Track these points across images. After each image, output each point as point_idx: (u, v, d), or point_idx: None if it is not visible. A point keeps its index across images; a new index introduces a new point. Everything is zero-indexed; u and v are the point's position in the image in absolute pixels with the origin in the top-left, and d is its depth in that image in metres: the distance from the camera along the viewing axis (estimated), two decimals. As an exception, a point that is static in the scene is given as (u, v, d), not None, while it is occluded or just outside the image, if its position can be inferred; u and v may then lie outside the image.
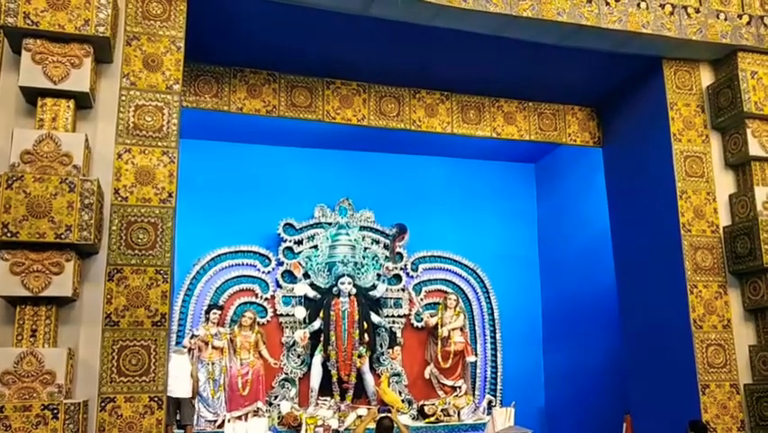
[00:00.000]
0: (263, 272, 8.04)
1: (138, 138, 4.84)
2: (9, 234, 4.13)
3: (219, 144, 8.26)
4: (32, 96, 4.54)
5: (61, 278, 4.26)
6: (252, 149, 8.49)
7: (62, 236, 4.23)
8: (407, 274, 8.49)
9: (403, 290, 8.39)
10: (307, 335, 7.75)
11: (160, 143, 4.86)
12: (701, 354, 5.70)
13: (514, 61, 6.36)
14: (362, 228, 8.42)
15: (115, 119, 4.83)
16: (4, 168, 4.35)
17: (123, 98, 4.87)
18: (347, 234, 8.24)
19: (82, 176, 4.39)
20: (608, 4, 5.75)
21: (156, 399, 4.51)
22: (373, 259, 8.27)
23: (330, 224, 8.30)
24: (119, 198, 4.72)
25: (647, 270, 6.36)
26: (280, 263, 8.11)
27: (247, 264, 8.03)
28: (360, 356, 7.75)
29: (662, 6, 5.90)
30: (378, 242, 8.45)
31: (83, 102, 4.66)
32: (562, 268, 8.85)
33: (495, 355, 8.48)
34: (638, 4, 5.83)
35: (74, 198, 4.29)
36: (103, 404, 4.41)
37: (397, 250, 8.48)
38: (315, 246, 8.20)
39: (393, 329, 8.23)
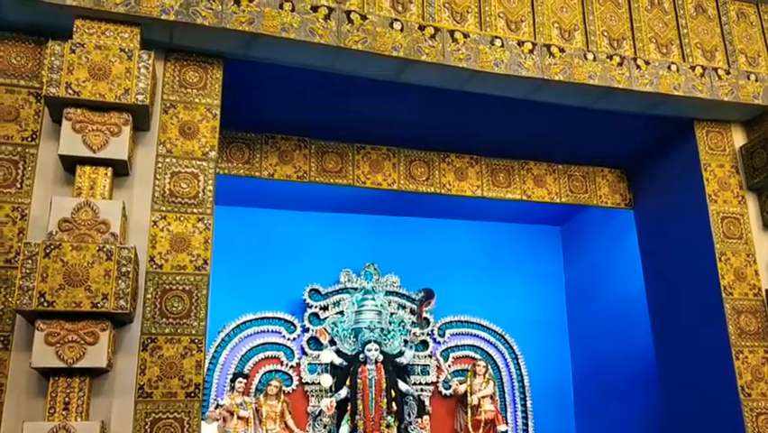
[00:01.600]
0: (288, 339, 7.89)
1: (173, 205, 4.81)
2: (46, 304, 4.06)
3: (242, 210, 8.24)
4: (70, 164, 4.55)
5: (96, 348, 4.16)
6: (277, 214, 8.47)
7: (98, 305, 4.15)
8: (434, 340, 8.32)
9: (430, 356, 8.20)
10: (334, 404, 7.54)
11: (195, 210, 4.84)
12: (752, 424, 5.47)
13: (544, 124, 6.37)
14: (388, 293, 8.29)
15: (151, 186, 4.82)
16: (42, 236, 4.32)
17: (160, 165, 4.87)
18: (373, 299, 8.12)
19: (119, 244, 4.35)
20: (638, 67, 5.78)
21: (189, 474, 4.35)
22: (400, 324, 8.12)
23: (356, 289, 8.19)
24: (154, 266, 4.66)
25: (687, 334, 6.19)
26: (306, 330, 7.96)
27: (272, 331, 7.89)
28: (388, 426, 7.50)
29: (693, 69, 5.93)
30: (404, 307, 8.32)
31: (120, 169, 4.66)
32: (593, 332, 8.65)
33: (526, 423, 8.22)
34: (669, 67, 5.86)
35: (111, 266, 4.23)
36: (135, 481, 4.24)
37: (424, 315, 8.33)
38: (341, 312, 8.08)
39: (421, 397, 8.01)
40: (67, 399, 4.13)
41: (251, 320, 7.84)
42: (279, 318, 7.95)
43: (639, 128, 6.49)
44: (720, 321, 5.73)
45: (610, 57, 5.74)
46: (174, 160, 4.90)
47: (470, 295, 8.73)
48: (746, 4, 6.48)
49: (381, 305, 8.09)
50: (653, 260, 6.87)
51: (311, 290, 8.13)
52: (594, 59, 5.67)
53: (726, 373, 5.63)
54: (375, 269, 8.37)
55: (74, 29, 4.68)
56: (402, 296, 8.36)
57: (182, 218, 4.79)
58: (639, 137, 6.69)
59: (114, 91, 4.56)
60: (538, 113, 6.11)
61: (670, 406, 6.50)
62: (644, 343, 7.15)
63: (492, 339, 8.47)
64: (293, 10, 5.06)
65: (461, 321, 8.48)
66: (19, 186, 4.57)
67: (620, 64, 5.73)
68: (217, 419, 7.02)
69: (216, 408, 7.09)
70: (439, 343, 8.32)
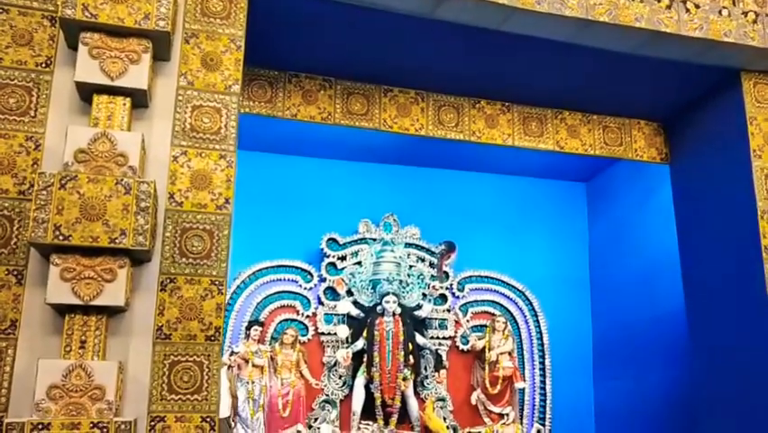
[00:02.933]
0: (305, 288, 7.73)
1: (195, 140, 4.56)
2: (61, 238, 3.85)
3: (258, 155, 7.99)
4: (87, 92, 4.29)
5: (114, 286, 3.96)
6: (294, 160, 8.24)
7: (116, 241, 3.94)
8: (453, 294, 8.14)
9: (449, 310, 8.04)
10: (350, 355, 7.40)
11: (217, 146, 4.58)
12: (791, 388, 5.28)
13: (581, 72, 6.05)
14: (408, 245, 8.10)
15: (171, 120, 4.56)
16: (57, 167, 4.09)
17: (180, 98, 4.60)
18: (392, 250, 7.92)
19: (138, 177, 4.12)
20: (688, 10, 5.43)
21: (208, 419, 4.19)
22: (419, 277, 7.94)
23: (374, 240, 7.99)
24: (173, 203, 4.43)
25: (723, 295, 5.96)
26: (323, 279, 7.80)
27: (289, 280, 7.73)
28: (404, 379, 7.39)
29: (745, 14, 5.57)
30: (423, 259, 8.13)
31: (139, 100, 4.40)
32: (617, 291, 8.45)
33: (544, 382, 8.08)
34: (720, 11, 5.51)
35: (129, 200, 4.01)
36: (152, 423, 4.08)
37: (444, 268, 8.14)
38: (359, 263, 7.89)
39: (438, 351, 7.87)
40: (83, 337, 3.95)
41: (267, 268, 7.67)
42: (296, 267, 7.78)
43: (681, 78, 6.16)
44: (760, 282, 5.49)
45: (658, -1, 5.39)
46: (195, 93, 4.63)
47: (491, 250, 8.54)
48: (803, -53, 6.07)
49: (400, 257, 7.90)
50: (688, 217, 6.60)
51: (329, 239, 7.93)
52: (641, 0, 5.32)
53: (764, 335, 5.41)
54: (395, 220, 8.16)
55: (91, -53, 4.38)
56: (422, 248, 8.16)
57: (203, 154, 4.54)
58: (680, 88, 6.36)
59: (134, 15, 4.28)
60: (577, 58, 5.79)
61: (702, 370, 6.30)
62: (672, 304, 6.94)
63: (512, 295, 8.28)
64: (324, -66, 4.73)
65: (482, 276, 8.29)
66: (33, 114, 4.32)
67: (669, 7, 5.38)
68: (230, 367, 6.90)
69: (231, 355, 6.97)
70: (458, 297, 8.14)
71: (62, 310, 3.97)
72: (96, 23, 4.23)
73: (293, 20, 5.37)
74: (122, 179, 4.03)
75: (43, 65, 4.40)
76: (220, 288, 4.39)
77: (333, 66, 6.04)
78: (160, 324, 4.24)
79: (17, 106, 4.31)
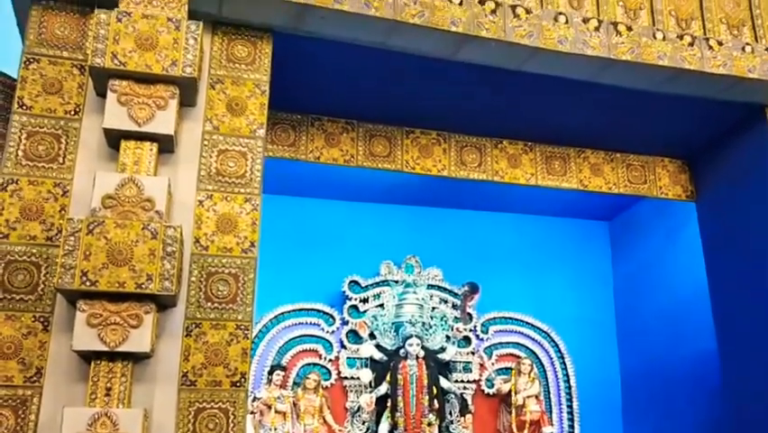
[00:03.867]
0: (327, 332, 7.66)
1: (220, 184, 4.57)
2: (88, 283, 3.83)
3: (281, 198, 8.00)
4: (114, 138, 4.32)
5: (139, 331, 3.93)
6: (316, 203, 8.25)
7: (143, 286, 3.92)
8: (477, 336, 8.02)
9: (473, 353, 7.91)
10: (374, 400, 7.28)
11: (242, 190, 4.59)
12: (831, 431, 5.09)
13: (604, 110, 6.03)
14: (430, 287, 8.03)
15: (197, 164, 4.58)
16: (84, 213, 4.10)
17: (206, 143, 4.63)
18: (414, 292, 7.86)
19: (165, 222, 4.12)
20: (710, 47, 5.42)
21: (234, 468, 4.10)
22: (442, 319, 7.84)
23: (396, 282, 7.93)
24: (199, 247, 4.42)
25: (756, 336, 5.81)
26: (345, 323, 7.73)
27: (311, 323, 7.66)
28: (429, 424, 7.23)
29: (768, 50, 5.55)
30: (446, 301, 8.05)
31: (166, 145, 4.43)
32: (644, 332, 8.28)
33: (572, 426, 7.89)
34: (743, 48, 5.49)
35: (156, 245, 4.00)
36: (178, 473, 4.00)
37: (468, 310, 8.04)
38: (381, 305, 7.82)
39: (463, 395, 7.72)
40: (108, 384, 3.90)
41: (289, 311, 7.62)
42: (318, 310, 7.72)
43: (705, 115, 6.12)
44: (796, 321, 5.35)
45: (680, 37, 5.39)
46: (221, 137, 4.66)
47: (514, 291, 8.44)
48: (823, -16, 6.08)
49: (423, 299, 7.83)
50: (717, 255, 6.49)
51: (351, 281, 7.88)
52: (663, 38, 5.33)
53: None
54: (417, 261, 8.11)
55: (120, -3, 4.47)
56: (444, 290, 8.09)
57: (229, 198, 4.55)
58: (704, 125, 6.31)
59: (162, 62, 4.34)
60: (598, 96, 5.78)
61: (735, 413, 6.11)
62: (703, 345, 6.79)
63: (538, 337, 8.15)
64: (348, -20, 4.79)
65: (506, 317, 8.17)
66: (61, 161, 4.36)
67: (691, 44, 5.37)
68: (253, 413, 6.80)
69: (253, 401, 6.87)
70: (482, 339, 8.02)
71: (88, 357, 3.93)
72: (124, 71, 4.28)
73: (316, 64, 5.43)
74: (148, 224, 4.03)
75: (72, 112, 4.46)
76: (245, 332, 4.34)
77: (356, 108, 6.07)
78: (185, 370, 4.19)
79: (46, 153, 4.35)
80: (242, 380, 4.24)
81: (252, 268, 4.47)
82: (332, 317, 7.72)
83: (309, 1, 4.69)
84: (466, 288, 8.04)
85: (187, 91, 4.50)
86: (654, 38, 5.32)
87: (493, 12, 5.03)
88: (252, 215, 4.56)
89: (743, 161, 6.16)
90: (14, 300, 4.06)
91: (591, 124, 6.31)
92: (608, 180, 6.70)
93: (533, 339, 8.14)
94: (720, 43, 5.46)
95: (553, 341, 8.14)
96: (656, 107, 5.94)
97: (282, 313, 7.60)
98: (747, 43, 5.54)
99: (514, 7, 5.09)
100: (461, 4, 4.97)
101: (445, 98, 5.92)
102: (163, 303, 4.15)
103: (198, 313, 4.31)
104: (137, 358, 4.03)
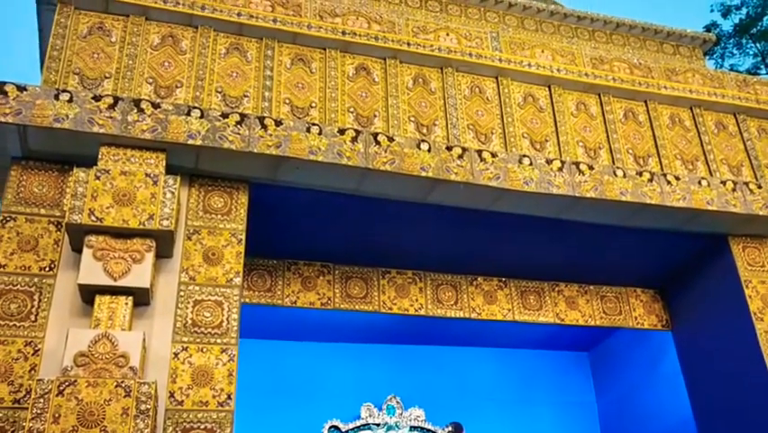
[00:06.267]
0: (308, 484, 7.30)
1: (196, 335, 4.52)
2: (57, 450, 3.67)
3: (255, 342, 7.84)
4: (89, 294, 4.30)
5: (110, 499, 3.73)
6: (292, 346, 8.06)
7: (114, 449, 3.76)
8: (464, 480, 7.69)
9: (461, 498, 7.56)
10: None
11: (219, 340, 4.54)
12: None
13: (573, 244, 6.18)
14: (413, 429, 7.77)
15: (173, 316, 4.55)
16: (56, 372, 4.00)
17: (182, 294, 4.62)
18: (397, 435, 7.60)
19: (138, 378, 4.02)
20: (669, 182, 5.67)
21: None
22: (426, 463, 7.54)
23: (378, 424, 7.67)
24: (174, 402, 4.29)
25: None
26: (326, 472, 7.38)
27: (291, 475, 7.30)
28: None
29: (724, 183, 5.82)
30: (429, 443, 7.77)
31: (141, 298, 4.41)
32: (634, 465, 8.02)
33: None
34: (699, 182, 5.75)
35: (130, 403, 3.88)
36: None
37: (453, 452, 7.76)
38: (363, 451, 7.53)
39: None
40: None
41: (267, 463, 7.28)
42: (298, 460, 7.39)
43: (671, 246, 6.30)
44: (785, 450, 5.26)
45: (640, 173, 5.65)
46: (197, 287, 4.66)
47: (500, 428, 8.17)
48: (767, 121, 6.50)
49: (406, 442, 7.57)
50: (699, 383, 6.45)
51: (331, 426, 7.60)
52: (624, 175, 5.58)
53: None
54: (398, 402, 7.89)
55: (99, 156, 4.61)
56: (428, 431, 7.80)
57: (205, 349, 4.48)
58: (672, 255, 6.48)
59: (138, 217, 4.41)
60: (567, 232, 5.94)
61: None
62: (695, 477, 6.57)
63: (526, 477, 7.84)
64: (320, 133, 5.01)
65: (493, 458, 7.89)
66: (33, 319, 4.30)
67: (650, 180, 5.63)
68: None
69: None
70: (470, 483, 7.69)
71: None
72: (101, 226, 4.34)
73: (291, 210, 5.55)
74: (122, 382, 3.93)
75: (47, 269, 4.46)
76: (223, 494, 4.13)
77: (331, 252, 6.15)
78: None
79: (18, 312, 4.30)
80: None
81: (229, 422, 4.33)
82: (312, 465, 7.38)
83: (284, 153, 4.87)
84: (450, 428, 7.80)
85: (163, 243, 4.55)
86: (615, 175, 5.57)
87: (460, 156, 5.26)
88: (229, 365, 4.48)
89: (713, 289, 6.27)
90: (-23, 470, 3.85)
91: (563, 258, 6.44)
92: (583, 313, 6.75)
93: (522, 479, 7.82)
94: (678, 178, 5.72)
95: (543, 481, 7.83)
96: (623, 240, 6.10)
97: (261, 465, 7.24)
98: (703, 177, 5.81)
99: (480, 152, 5.33)
100: (429, 150, 5.20)
101: (419, 238, 6.04)
102: (135, 465, 3.97)
103: (173, 473, 4.11)
104: None
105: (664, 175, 5.71)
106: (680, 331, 6.79)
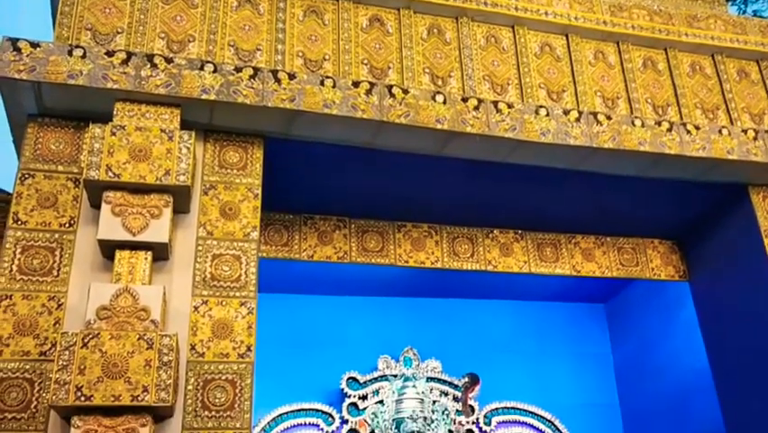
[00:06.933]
0: (327, 432, 7.45)
1: (215, 289, 4.58)
2: (83, 399, 3.77)
3: (274, 297, 7.95)
4: (109, 249, 4.36)
5: (136, 447, 3.84)
6: (310, 300, 8.18)
7: (139, 398, 3.85)
8: (480, 429, 7.82)
9: (477, 446, 7.71)
10: (378, 501, 7.03)
11: (237, 294, 4.59)
12: None
13: (590, 196, 6.15)
14: (429, 379, 7.88)
15: (192, 270, 4.60)
16: (79, 326, 4.08)
17: (200, 248, 4.67)
18: (414, 386, 7.69)
19: (160, 331, 4.09)
20: (688, 132, 5.59)
21: None
22: (443, 413, 7.66)
23: (395, 376, 7.79)
24: (195, 355, 4.37)
25: (763, 412, 5.71)
26: (345, 421, 7.52)
27: (310, 424, 7.45)
28: None
29: (745, 132, 5.72)
30: (446, 394, 7.88)
31: (160, 253, 4.46)
32: (648, 415, 8.10)
33: None
34: (719, 131, 5.67)
35: (152, 355, 3.96)
36: None
37: (470, 402, 7.87)
38: (381, 401, 7.65)
39: (470, 491, 7.47)
40: (103, 503, 3.77)
41: (287, 412, 7.42)
42: (317, 410, 7.53)
43: (690, 196, 6.24)
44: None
45: (658, 123, 5.57)
46: (215, 242, 4.70)
47: (515, 379, 8.28)
48: (790, 67, 6.36)
49: (423, 392, 7.67)
50: (716, 334, 6.47)
51: (349, 378, 7.73)
52: (642, 125, 5.50)
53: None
54: (415, 354, 8.00)
55: (114, 112, 4.61)
56: (444, 382, 7.94)
57: (224, 303, 4.54)
58: (690, 206, 6.43)
59: (155, 172, 4.42)
60: (584, 184, 5.90)
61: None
62: (710, 424, 6.64)
63: (542, 427, 7.95)
64: (334, 86, 4.97)
65: (509, 408, 7.99)
66: (56, 274, 4.37)
67: (669, 130, 5.55)
68: None
69: None
70: (486, 432, 7.81)
71: (84, 474, 3.82)
72: (118, 182, 4.37)
73: (306, 164, 5.55)
74: (144, 334, 4.00)
75: (67, 225, 4.50)
76: (245, 441, 4.24)
77: (347, 206, 6.16)
78: (183, 484, 4.06)
79: (40, 267, 4.36)
80: (243, 491, 4.11)
81: (250, 373, 4.42)
82: (331, 416, 7.53)
83: (299, 107, 4.85)
84: (466, 379, 7.90)
85: (180, 199, 4.57)
86: (634, 125, 5.49)
87: (476, 108, 5.20)
88: (248, 318, 4.54)
89: (731, 239, 6.23)
90: (6, 420, 3.97)
91: (580, 210, 6.41)
92: (600, 265, 6.74)
93: (537, 429, 7.94)
94: (697, 128, 5.63)
95: (559, 430, 7.94)
96: (642, 191, 6.05)
97: (280, 415, 7.40)
98: (723, 126, 5.72)
99: (496, 103, 5.27)
100: (444, 102, 5.15)
101: (434, 191, 6.03)
102: (160, 414, 4.07)
103: (195, 423, 4.21)
104: (133, 476, 3.91)
105: (684, 124, 5.63)
106: (697, 282, 6.78)
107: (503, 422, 7.92)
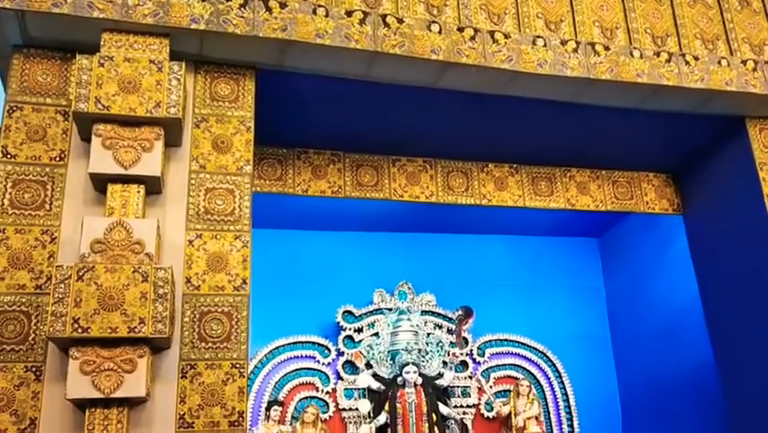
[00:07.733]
0: (323, 364, 7.59)
1: (209, 223, 4.56)
2: (80, 330, 3.80)
3: (269, 232, 7.97)
4: (101, 182, 4.32)
5: (134, 376, 3.89)
6: (305, 235, 8.21)
7: (135, 330, 3.89)
8: (474, 360, 7.98)
9: (471, 377, 7.87)
10: (373, 430, 7.20)
11: (232, 227, 4.58)
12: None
13: (586, 128, 6.09)
14: (424, 312, 8.00)
15: (185, 204, 4.57)
16: (74, 259, 4.08)
17: (193, 182, 4.63)
18: (409, 319, 7.81)
19: (155, 264, 4.10)
20: (687, 63, 5.50)
21: None
22: (438, 345, 7.81)
23: (390, 309, 7.90)
24: (191, 287, 4.40)
25: (752, 342, 5.82)
26: (341, 354, 7.66)
27: (306, 356, 7.59)
28: (431, 452, 7.16)
29: (744, 63, 5.64)
30: (441, 326, 8.01)
31: (153, 187, 4.42)
32: (640, 346, 8.27)
33: (574, 445, 7.84)
34: (719, 62, 5.58)
35: (147, 288, 3.98)
36: None
37: (463, 334, 8.00)
38: (376, 334, 7.77)
39: (464, 420, 7.66)
40: (104, 431, 3.84)
41: (283, 345, 7.56)
42: (313, 342, 7.66)
43: (686, 129, 6.20)
44: (789, 328, 5.38)
45: (657, 54, 5.47)
46: (208, 175, 4.66)
47: (508, 312, 8.41)
48: (793, -4, 6.21)
49: (417, 325, 7.79)
50: (708, 266, 6.53)
51: (344, 311, 7.84)
52: (641, 56, 5.41)
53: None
54: (409, 288, 8.09)
55: (101, 42, 4.49)
56: (438, 315, 8.06)
57: (218, 236, 4.54)
58: (686, 138, 6.39)
59: (145, 105, 4.35)
60: (581, 116, 5.84)
61: (736, 421, 6.11)
62: (700, 356, 6.78)
63: (534, 357, 8.13)
64: (327, 15, 4.85)
65: (501, 340, 8.15)
66: (48, 208, 4.34)
67: (668, 61, 5.46)
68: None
69: (252, 438, 6.79)
70: (479, 363, 7.98)
71: (82, 405, 3.88)
72: (108, 115, 4.29)
73: (299, 97, 5.46)
74: (139, 267, 4.01)
75: (57, 159, 4.45)
76: (241, 371, 4.30)
77: (341, 140, 6.10)
78: (181, 412, 4.14)
79: (32, 201, 4.33)
80: (240, 419, 4.20)
81: (245, 305, 4.45)
82: (327, 348, 7.67)
83: (290, 37, 4.73)
84: (460, 312, 8.01)
85: (171, 132, 4.51)
86: (632, 56, 5.40)
87: (472, 38, 5.10)
88: (243, 252, 4.54)
89: (727, 172, 6.23)
90: (5, 351, 4.01)
91: (575, 143, 6.37)
92: (594, 198, 6.75)
93: (530, 360, 8.11)
94: (696, 58, 5.55)
95: (550, 360, 8.12)
96: (638, 124, 6.00)
97: (277, 347, 7.53)
98: (723, 57, 5.63)
99: (492, 33, 5.16)
100: (440, 32, 5.04)
101: (429, 125, 5.96)
102: (157, 346, 4.12)
103: (193, 354, 4.27)
104: (132, 403, 3.98)
105: (683, 55, 5.54)
106: (691, 215, 6.81)
107: (496, 354, 8.08)
